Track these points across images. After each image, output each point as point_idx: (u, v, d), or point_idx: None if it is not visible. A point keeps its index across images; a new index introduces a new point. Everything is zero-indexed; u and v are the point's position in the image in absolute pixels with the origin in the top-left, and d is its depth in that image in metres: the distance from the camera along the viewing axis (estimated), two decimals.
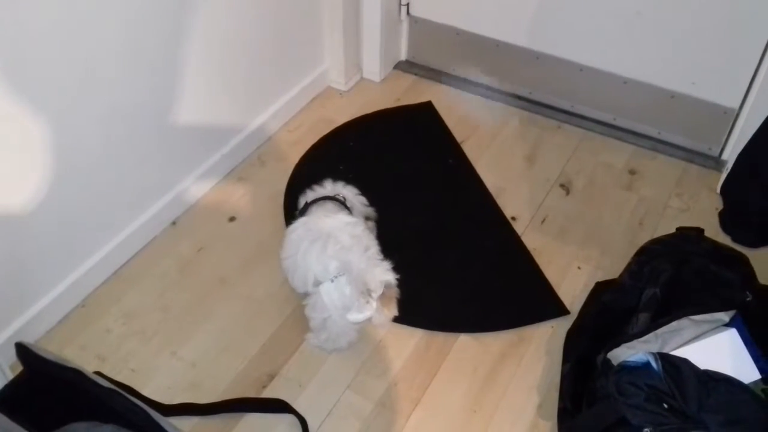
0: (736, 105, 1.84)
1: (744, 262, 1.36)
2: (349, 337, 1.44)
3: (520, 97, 2.14)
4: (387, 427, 1.36)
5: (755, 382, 1.16)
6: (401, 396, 1.41)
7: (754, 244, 1.65)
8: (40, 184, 1.37)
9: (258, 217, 1.77)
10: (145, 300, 1.57)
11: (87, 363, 1.42)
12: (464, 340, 1.51)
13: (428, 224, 1.76)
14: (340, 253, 1.34)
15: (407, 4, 2.16)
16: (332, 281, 1.35)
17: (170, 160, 1.69)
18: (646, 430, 1.08)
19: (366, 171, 1.83)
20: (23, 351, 1.04)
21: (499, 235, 1.74)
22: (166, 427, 0.97)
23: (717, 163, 1.93)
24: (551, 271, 1.64)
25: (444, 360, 1.48)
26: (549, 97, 2.11)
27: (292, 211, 1.69)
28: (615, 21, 1.87)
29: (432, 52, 2.24)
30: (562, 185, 1.88)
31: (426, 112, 2.11)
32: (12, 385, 1.06)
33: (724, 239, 1.66)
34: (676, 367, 1.11)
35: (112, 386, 1.01)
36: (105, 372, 1.34)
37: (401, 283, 1.37)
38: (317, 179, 1.61)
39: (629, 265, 1.44)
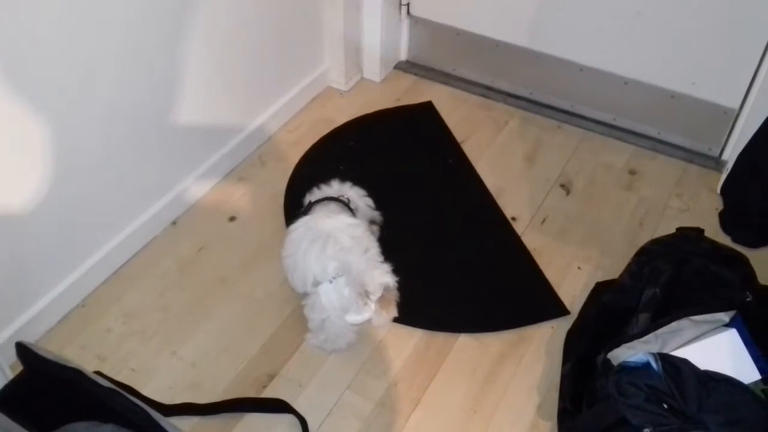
0: (736, 105, 1.84)
1: (744, 262, 1.36)
2: (347, 339, 1.44)
3: (520, 97, 2.14)
4: (387, 427, 1.36)
5: (755, 383, 1.16)
6: (401, 396, 1.41)
7: (754, 244, 1.65)
8: (40, 183, 1.37)
9: (258, 217, 1.77)
10: (146, 300, 1.57)
11: (87, 363, 1.42)
12: (464, 340, 1.51)
13: (428, 224, 1.76)
14: (340, 254, 1.34)
15: (407, 4, 2.16)
16: (331, 282, 1.35)
17: (170, 160, 1.69)
18: (646, 430, 1.08)
19: (366, 171, 1.83)
20: (23, 350, 1.04)
21: (499, 236, 1.74)
22: (166, 427, 0.97)
23: (717, 163, 1.93)
24: (551, 272, 1.64)
25: (444, 360, 1.48)
26: (549, 97, 2.11)
27: (292, 211, 1.69)
28: (615, 21, 1.87)
29: (432, 52, 2.24)
30: (562, 185, 1.88)
31: (426, 112, 2.11)
32: (12, 384, 1.06)
33: (724, 239, 1.66)
34: (676, 368, 1.11)
35: (112, 386, 1.01)
36: (105, 372, 1.34)
37: (401, 284, 1.37)
38: (317, 179, 1.61)
39: (629, 265, 1.44)
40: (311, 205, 1.52)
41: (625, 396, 1.11)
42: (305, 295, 1.42)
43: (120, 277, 1.61)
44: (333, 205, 1.50)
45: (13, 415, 0.94)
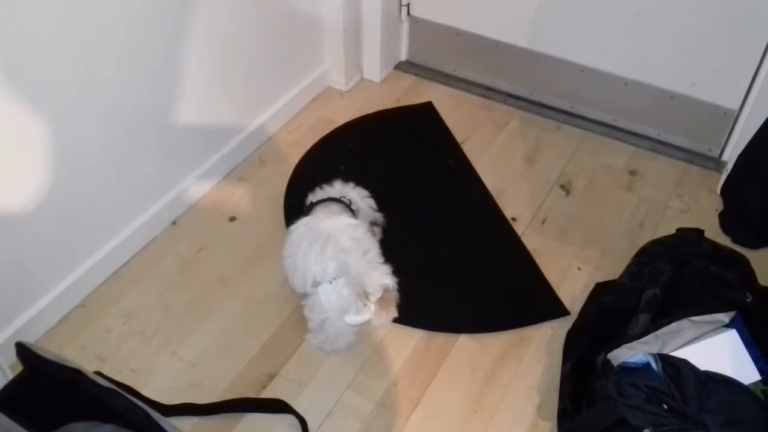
0: (736, 106, 1.84)
1: (744, 263, 1.36)
2: (347, 339, 1.44)
3: (520, 98, 2.15)
4: (387, 428, 1.36)
5: (755, 383, 1.16)
6: (401, 396, 1.41)
7: (754, 245, 1.65)
8: (41, 183, 1.37)
9: (258, 217, 1.77)
10: (146, 300, 1.57)
11: (87, 363, 1.42)
12: (464, 340, 1.51)
13: (428, 225, 1.76)
14: (339, 254, 1.34)
15: (408, 5, 2.16)
16: (331, 283, 1.35)
17: (171, 160, 1.70)
18: (646, 430, 1.08)
19: (366, 171, 1.83)
20: (23, 351, 1.04)
21: (499, 236, 1.74)
22: (166, 427, 0.97)
23: (717, 164, 1.93)
24: (551, 272, 1.64)
25: (444, 360, 1.48)
26: (549, 98, 2.11)
27: (292, 212, 1.70)
28: (615, 22, 1.87)
29: (432, 53, 2.24)
30: (562, 186, 1.88)
31: (426, 113, 2.11)
32: (12, 384, 1.06)
33: (724, 240, 1.66)
34: (676, 368, 1.11)
35: (112, 386, 1.01)
36: (105, 372, 1.34)
37: (401, 284, 1.37)
38: (317, 180, 1.61)
39: (629, 265, 1.44)
40: (312, 205, 1.52)
41: (625, 396, 1.11)
42: (305, 295, 1.42)
43: (120, 277, 1.61)
44: (334, 206, 1.50)
45: (13, 415, 0.94)
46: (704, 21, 1.75)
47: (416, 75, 2.24)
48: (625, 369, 1.16)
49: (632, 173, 1.91)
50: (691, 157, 1.95)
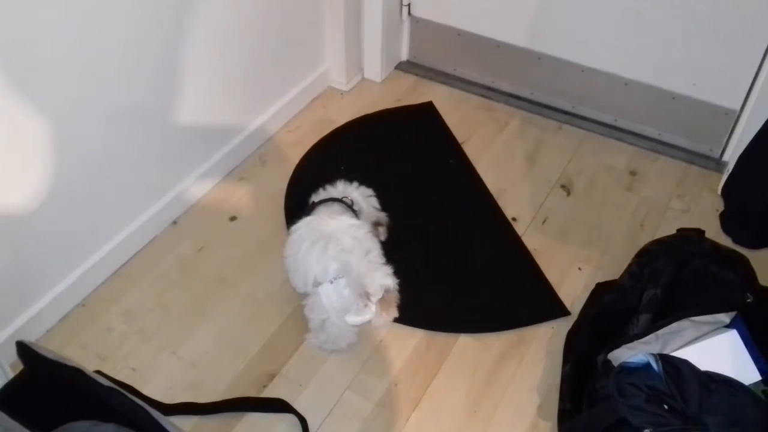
0: (737, 106, 1.84)
1: (744, 263, 1.36)
2: (348, 339, 1.44)
3: (521, 98, 2.14)
4: (387, 427, 1.36)
5: (755, 384, 1.16)
6: (401, 396, 1.41)
7: (755, 245, 1.65)
8: (41, 183, 1.37)
9: (258, 217, 1.77)
10: (146, 299, 1.57)
11: (87, 362, 1.42)
12: (464, 340, 1.51)
13: (429, 224, 1.76)
14: (341, 255, 1.34)
15: (408, 5, 2.16)
16: (332, 283, 1.35)
17: (171, 160, 1.70)
18: (646, 431, 1.08)
19: (367, 171, 1.82)
20: (24, 349, 1.04)
21: (499, 236, 1.74)
22: (167, 426, 0.97)
23: (718, 164, 1.93)
24: (552, 272, 1.64)
25: (444, 360, 1.48)
26: (550, 98, 2.11)
27: (292, 212, 1.70)
28: (616, 22, 1.87)
29: (433, 53, 2.24)
30: (562, 186, 1.88)
31: (427, 113, 2.11)
32: (12, 383, 1.06)
33: (724, 240, 1.67)
34: (676, 368, 1.11)
35: (113, 385, 1.01)
36: (105, 371, 1.34)
37: (401, 284, 1.37)
38: (318, 179, 1.61)
39: (630, 266, 1.44)
40: (314, 205, 1.52)
41: (626, 397, 1.11)
42: (306, 295, 1.42)
43: (120, 277, 1.61)
44: (336, 206, 1.51)
45: (14, 414, 0.94)
46: (705, 21, 1.75)
47: (417, 75, 2.24)
48: (626, 369, 1.16)
49: (633, 173, 1.91)
50: (692, 157, 1.95)
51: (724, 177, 1.80)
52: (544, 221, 1.78)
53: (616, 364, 1.21)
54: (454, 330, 1.53)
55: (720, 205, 1.80)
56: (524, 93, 2.14)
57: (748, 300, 1.24)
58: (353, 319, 1.37)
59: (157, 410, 1.00)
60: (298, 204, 1.63)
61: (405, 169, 1.91)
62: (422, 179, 1.89)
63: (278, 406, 1.37)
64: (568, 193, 1.86)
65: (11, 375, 1.20)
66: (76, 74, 1.35)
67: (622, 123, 2.04)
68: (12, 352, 1.09)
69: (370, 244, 1.40)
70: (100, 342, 1.48)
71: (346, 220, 1.44)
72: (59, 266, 1.50)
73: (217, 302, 1.57)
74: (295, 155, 1.93)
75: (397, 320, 1.46)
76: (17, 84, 1.24)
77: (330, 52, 2.11)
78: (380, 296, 1.34)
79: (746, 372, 1.17)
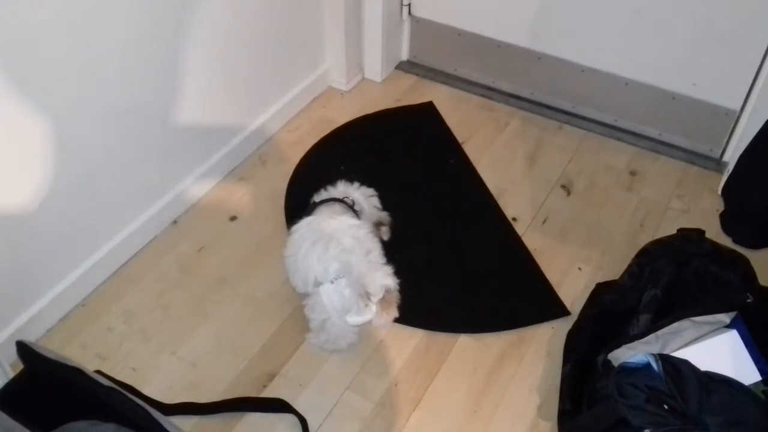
0: (737, 106, 1.84)
1: (745, 263, 1.36)
2: (348, 339, 1.44)
3: (521, 98, 2.14)
4: (387, 427, 1.36)
5: (756, 384, 1.16)
6: (401, 396, 1.41)
7: (755, 245, 1.65)
8: (41, 183, 1.37)
9: (259, 216, 1.77)
10: (146, 299, 1.57)
11: (88, 362, 1.42)
12: (464, 340, 1.51)
13: (429, 224, 1.76)
14: (341, 255, 1.34)
15: (409, 5, 2.16)
16: (332, 283, 1.35)
17: (171, 160, 1.70)
18: (646, 431, 1.08)
19: (367, 171, 1.82)
20: (24, 349, 1.04)
21: (499, 236, 1.74)
22: (167, 426, 0.97)
23: (718, 164, 1.93)
24: (552, 272, 1.64)
25: (444, 360, 1.48)
26: (550, 98, 2.11)
27: (292, 211, 1.70)
28: (616, 22, 1.87)
29: (433, 53, 2.24)
30: (563, 186, 1.88)
31: (427, 113, 2.11)
32: (13, 383, 1.06)
33: (725, 240, 1.66)
34: (676, 369, 1.11)
35: (113, 385, 1.01)
36: (106, 371, 1.34)
37: (401, 284, 1.37)
38: (318, 179, 1.61)
39: (630, 266, 1.44)
40: (315, 205, 1.52)
41: (626, 397, 1.11)
42: (306, 295, 1.42)
43: (120, 277, 1.61)
44: (337, 206, 1.51)
45: (14, 413, 0.94)
46: (705, 21, 1.75)
47: (417, 75, 2.24)
48: (626, 369, 1.16)
49: (633, 173, 1.91)
50: (692, 157, 1.95)
51: (725, 177, 1.80)
52: (544, 221, 1.78)
53: (616, 364, 1.21)
54: (454, 330, 1.53)
55: (720, 205, 1.80)
56: (524, 93, 2.14)
57: (749, 300, 1.24)
58: (354, 319, 1.37)
59: (157, 410, 1.00)
60: (298, 204, 1.63)
61: (405, 169, 1.91)
62: (422, 179, 1.89)
63: (278, 406, 1.37)
64: (569, 193, 1.86)
65: (11, 375, 1.20)
66: (76, 74, 1.35)
67: (622, 123, 2.04)
68: (12, 351, 1.09)
69: (370, 244, 1.40)
70: (100, 342, 1.48)
71: (346, 220, 1.44)
72: (59, 266, 1.50)
73: (217, 302, 1.57)
74: (295, 155, 1.93)
75: (397, 320, 1.46)
76: (17, 84, 1.24)
77: (330, 51, 2.11)
78: (381, 296, 1.34)
79: (746, 372, 1.17)
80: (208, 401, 1.38)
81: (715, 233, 1.71)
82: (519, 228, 1.75)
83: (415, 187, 1.86)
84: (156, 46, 1.51)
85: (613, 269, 1.58)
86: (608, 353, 1.24)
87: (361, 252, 1.35)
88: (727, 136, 1.90)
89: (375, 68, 2.19)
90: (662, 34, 1.83)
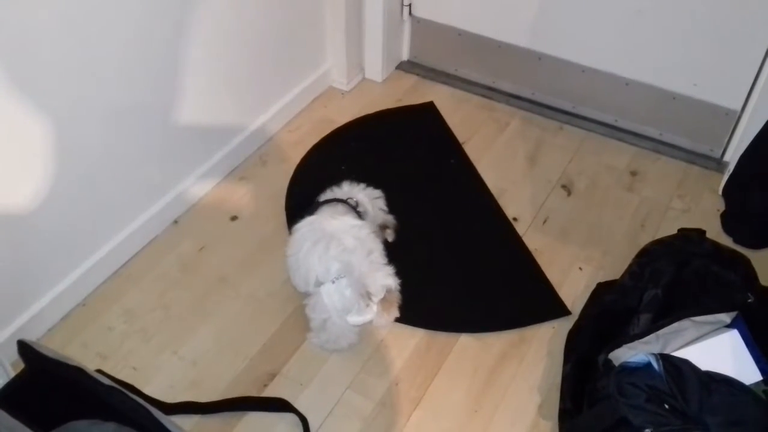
0: (738, 107, 1.84)
1: (745, 263, 1.36)
2: (349, 339, 1.44)
3: (521, 98, 2.15)
4: (388, 427, 1.37)
5: (756, 384, 1.16)
6: (402, 396, 1.41)
7: (756, 245, 1.65)
8: (42, 183, 1.37)
9: (259, 216, 1.77)
10: (147, 299, 1.57)
11: (88, 361, 1.42)
12: (465, 340, 1.51)
13: (429, 224, 1.76)
14: (343, 255, 1.34)
15: (409, 5, 2.16)
16: (333, 282, 1.35)
17: (172, 160, 1.70)
18: (646, 430, 1.08)
19: (367, 171, 1.82)
20: (25, 348, 1.04)
21: (500, 236, 1.74)
22: (168, 426, 0.97)
23: (719, 164, 1.93)
24: (552, 272, 1.64)
25: (445, 360, 1.48)
26: (551, 98, 2.11)
27: (293, 211, 1.70)
28: (617, 22, 1.87)
29: (434, 53, 2.24)
30: (563, 186, 1.88)
31: (428, 113, 2.11)
32: (14, 382, 1.06)
33: (725, 240, 1.66)
34: (677, 368, 1.11)
35: (114, 384, 1.01)
36: (106, 370, 1.34)
37: (402, 284, 1.37)
38: (319, 179, 1.61)
39: (630, 265, 1.44)
40: (317, 204, 1.52)
41: (626, 396, 1.11)
42: (307, 294, 1.42)
43: (121, 276, 1.61)
44: (340, 207, 1.51)
45: (15, 412, 0.94)
46: (706, 21, 1.75)
47: (418, 75, 2.25)
48: (626, 369, 1.16)
49: (634, 174, 1.91)
50: (693, 157, 1.95)
51: (725, 177, 1.80)
52: (544, 221, 1.78)
53: (616, 363, 1.21)
54: (454, 330, 1.53)
55: (721, 205, 1.80)
56: (525, 93, 2.14)
57: (749, 300, 1.24)
58: (354, 319, 1.37)
59: (158, 409, 1.00)
60: (298, 204, 1.63)
61: (406, 169, 1.91)
62: (423, 179, 1.89)
63: (279, 405, 1.37)
64: (569, 193, 1.86)
65: (12, 374, 1.21)
66: (76, 74, 1.35)
67: (622, 123, 2.04)
68: (13, 351, 1.09)
69: (372, 245, 1.40)
70: (101, 341, 1.48)
71: (348, 220, 1.44)
72: (60, 265, 1.50)
73: (217, 302, 1.57)
74: (295, 155, 1.93)
75: (398, 320, 1.46)
76: (17, 84, 1.24)
77: (331, 52, 2.11)
78: (382, 296, 1.34)
79: (747, 372, 1.17)
80: (209, 400, 1.38)
81: (716, 233, 1.71)
82: (520, 228, 1.75)
83: (416, 187, 1.86)
84: (156, 46, 1.51)
85: (614, 269, 1.58)
86: (609, 353, 1.24)
87: (362, 252, 1.35)
88: (728, 136, 1.90)
89: (376, 68, 2.19)
90: (662, 34, 1.83)
